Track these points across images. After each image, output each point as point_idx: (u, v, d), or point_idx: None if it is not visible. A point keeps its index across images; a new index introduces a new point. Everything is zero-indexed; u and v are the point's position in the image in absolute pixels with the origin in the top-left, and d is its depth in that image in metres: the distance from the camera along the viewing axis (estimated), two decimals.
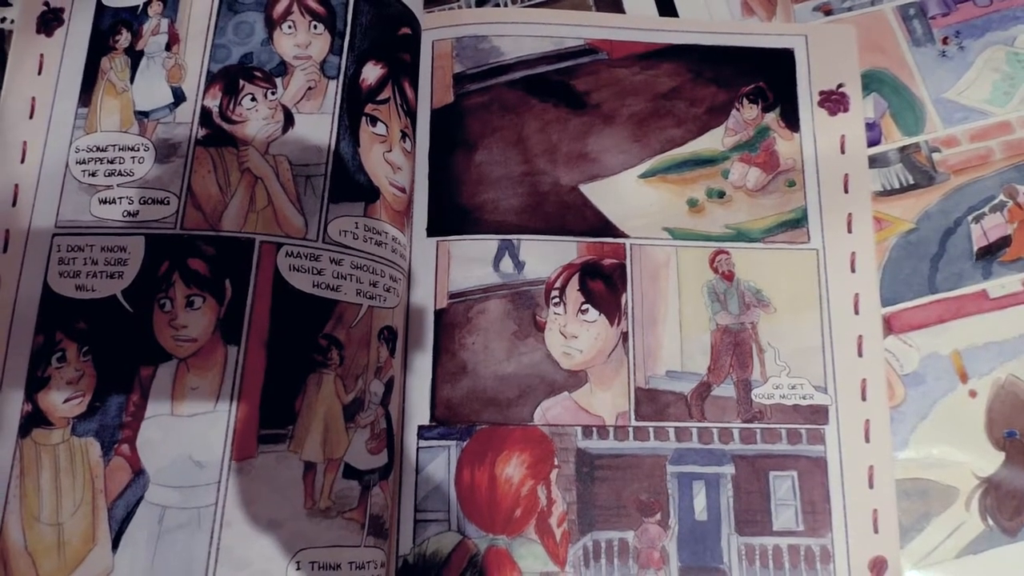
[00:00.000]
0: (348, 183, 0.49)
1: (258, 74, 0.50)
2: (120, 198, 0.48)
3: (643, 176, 0.55)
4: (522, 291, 0.53)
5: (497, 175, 0.55)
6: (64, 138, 0.50)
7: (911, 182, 0.56)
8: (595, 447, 0.51)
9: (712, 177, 0.56)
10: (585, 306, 0.53)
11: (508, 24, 0.58)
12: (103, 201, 0.48)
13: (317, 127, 0.50)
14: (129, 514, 0.44)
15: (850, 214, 0.55)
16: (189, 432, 0.45)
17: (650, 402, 0.52)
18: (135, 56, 0.51)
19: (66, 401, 0.45)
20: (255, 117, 0.49)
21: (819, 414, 0.52)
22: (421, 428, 0.51)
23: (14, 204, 0.49)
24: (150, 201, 0.47)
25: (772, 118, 0.57)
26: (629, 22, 0.59)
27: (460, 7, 0.60)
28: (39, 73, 0.51)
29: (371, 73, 0.52)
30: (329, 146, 0.49)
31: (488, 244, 0.53)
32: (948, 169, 0.56)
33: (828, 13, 0.59)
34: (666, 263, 0.54)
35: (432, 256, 0.53)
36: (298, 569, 0.44)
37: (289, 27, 0.51)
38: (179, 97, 0.50)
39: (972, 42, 0.59)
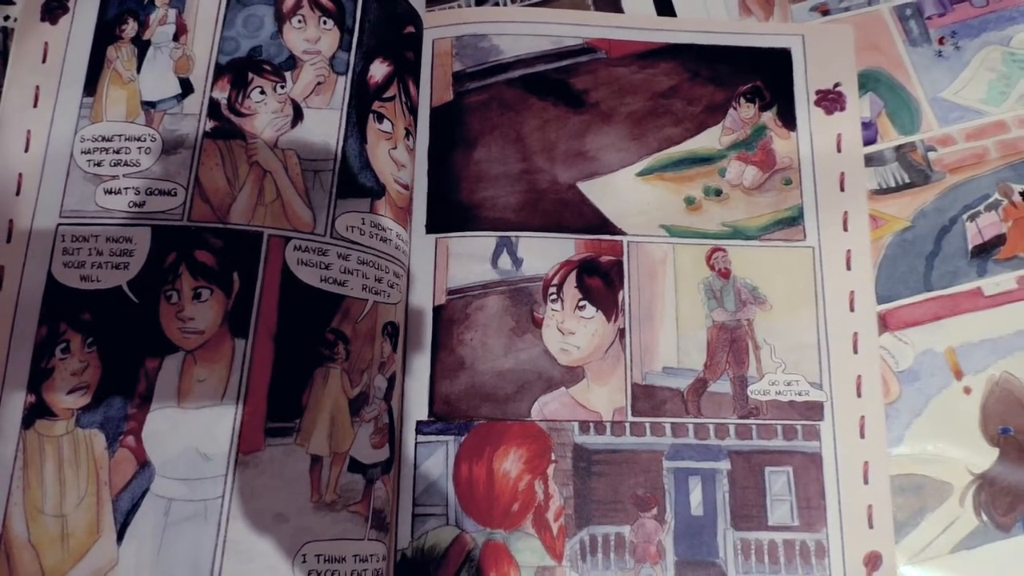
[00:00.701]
0: (355, 179, 0.49)
1: (267, 67, 0.50)
2: (126, 189, 0.47)
3: (641, 174, 0.56)
4: (520, 288, 0.53)
5: (496, 173, 0.55)
6: (69, 127, 0.49)
7: (907, 181, 0.56)
8: (592, 442, 0.51)
9: (709, 175, 0.56)
10: (582, 303, 0.53)
11: (508, 23, 0.58)
12: (109, 191, 0.47)
13: (326, 122, 0.50)
14: (134, 506, 0.43)
15: (846, 212, 0.55)
16: (196, 424, 0.44)
17: (647, 398, 0.52)
18: (142, 46, 0.50)
19: (70, 392, 0.44)
20: (264, 111, 0.49)
21: (814, 410, 0.52)
22: (419, 423, 0.51)
23: (17, 193, 0.48)
24: (157, 192, 0.47)
25: (769, 117, 0.57)
26: (627, 21, 0.59)
27: (460, 6, 0.60)
28: (43, 61, 0.50)
29: (378, 71, 0.52)
30: (338, 141, 0.49)
31: (487, 241, 0.54)
32: (944, 168, 0.56)
33: (825, 13, 0.60)
34: (663, 260, 0.54)
35: (431, 253, 0.53)
36: (304, 562, 0.44)
37: (299, 21, 0.51)
38: (187, 88, 0.49)
39: (968, 42, 0.59)
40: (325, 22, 0.51)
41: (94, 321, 0.45)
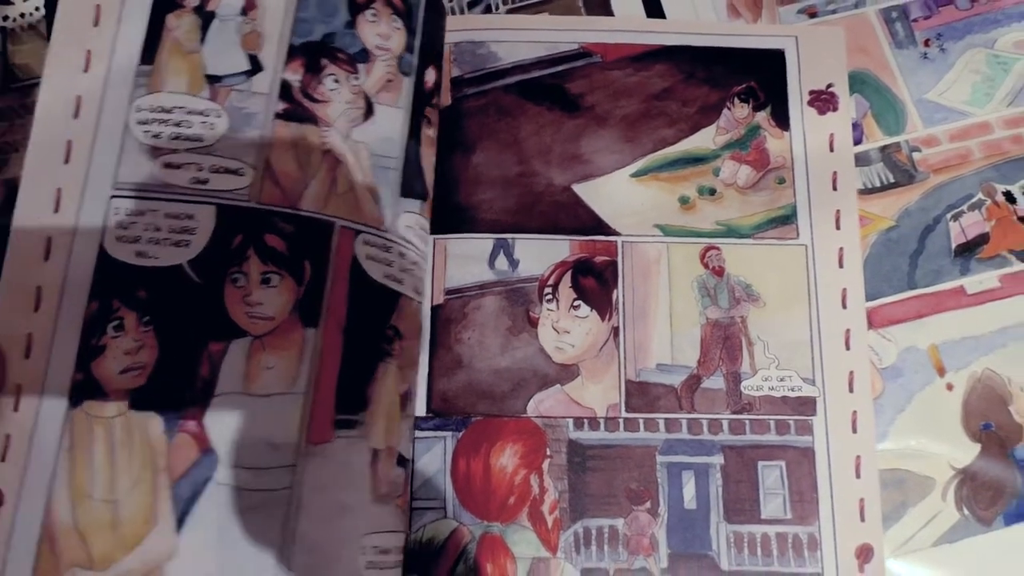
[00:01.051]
0: (412, 180, 0.50)
1: (342, 56, 0.49)
2: (188, 164, 0.45)
3: (635, 175, 0.56)
4: (516, 288, 0.54)
5: (493, 176, 0.56)
6: (123, 95, 0.46)
7: (892, 181, 0.57)
8: (586, 438, 0.52)
9: (703, 175, 0.57)
10: (577, 302, 0.54)
11: (504, 30, 0.59)
12: (169, 165, 0.45)
13: (393, 120, 0.49)
14: (196, 494, 0.41)
15: (838, 211, 0.55)
16: (263, 412, 0.43)
17: (640, 394, 0.53)
18: (206, 17, 0.48)
19: (123, 372, 0.42)
20: (338, 99, 0.48)
21: (807, 405, 0.53)
22: (418, 419, 0.52)
23: (67, 161, 0.45)
24: (222, 170, 0.45)
25: (763, 117, 0.58)
26: (622, 25, 0.60)
27: (452, 11, 0.61)
28: (95, 24, 0.47)
29: (430, 77, 0.53)
30: (403, 140, 0.49)
31: (484, 243, 0.55)
32: (928, 168, 0.57)
33: (813, 15, 0.60)
34: (657, 259, 0.55)
35: (430, 254, 0.54)
36: (363, 553, 0.44)
37: (373, 15, 0.50)
38: (256, 66, 0.47)
39: (953, 44, 0.59)
40: (395, 20, 0.51)
41: (150, 299, 0.43)
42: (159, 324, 0.43)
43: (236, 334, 0.43)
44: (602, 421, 0.52)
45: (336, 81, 0.48)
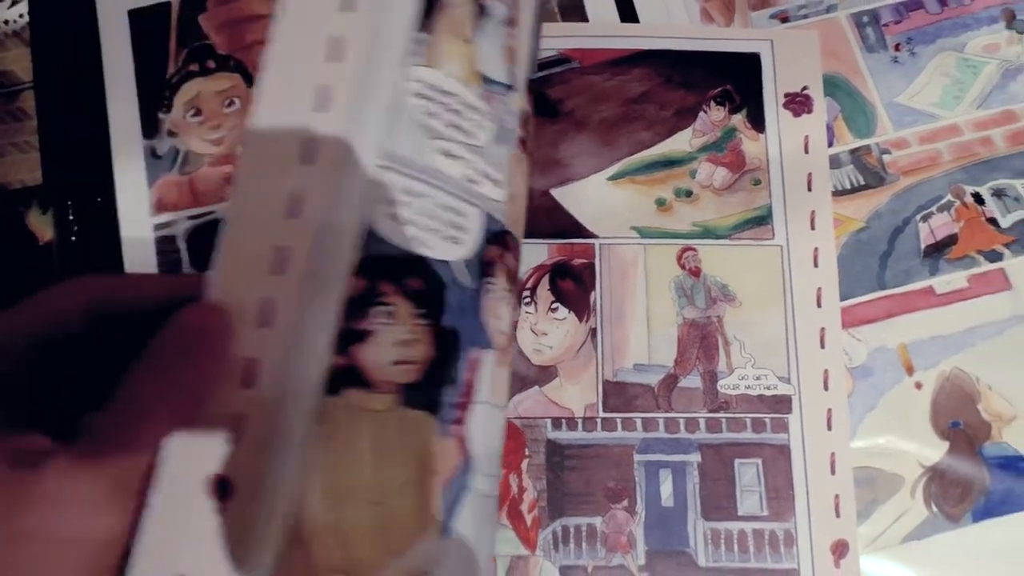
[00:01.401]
0: None
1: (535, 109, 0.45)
2: (464, 158, 0.39)
3: (612, 178, 0.57)
4: None
5: None
6: (394, 54, 0.37)
7: (862, 183, 0.57)
8: (564, 438, 0.53)
9: (680, 177, 0.57)
10: (555, 305, 0.55)
11: None
12: (445, 154, 0.38)
13: None
14: (458, 500, 0.37)
15: (813, 211, 0.56)
16: (498, 423, 0.40)
17: (618, 394, 0.54)
18: (479, 10, 0.41)
19: (395, 364, 0.36)
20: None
21: (783, 404, 0.53)
22: None
23: (322, 109, 0.36)
24: (489, 178, 0.39)
25: (739, 119, 0.58)
26: (598, 30, 0.60)
27: None
28: None
29: None
30: None
31: None
32: (898, 170, 0.57)
33: (785, 20, 0.61)
34: (634, 261, 0.56)
35: None
36: None
37: None
38: (512, 82, 0.41)
39: (923, 48, 0.60)
40: None
41: (427, 292, 0.37)
42: (434, 320, 0.37)
43: (485, 343, 0.39)
44: (580, 421, 0.53)
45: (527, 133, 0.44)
